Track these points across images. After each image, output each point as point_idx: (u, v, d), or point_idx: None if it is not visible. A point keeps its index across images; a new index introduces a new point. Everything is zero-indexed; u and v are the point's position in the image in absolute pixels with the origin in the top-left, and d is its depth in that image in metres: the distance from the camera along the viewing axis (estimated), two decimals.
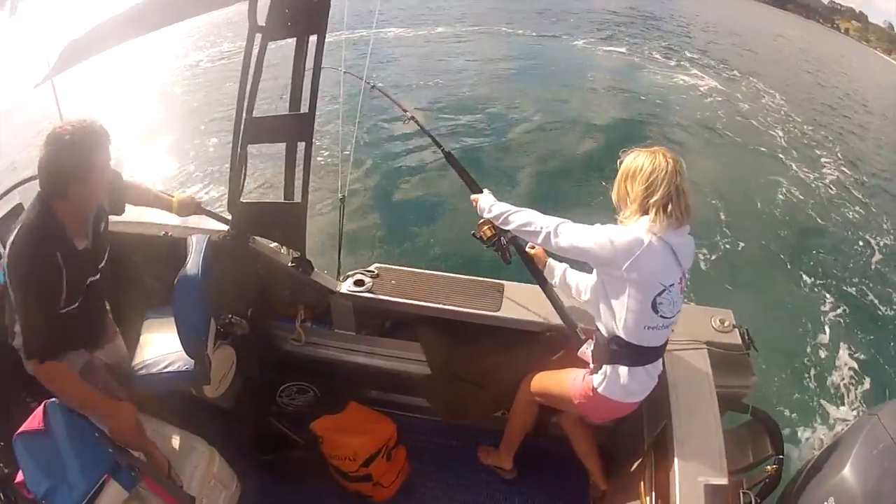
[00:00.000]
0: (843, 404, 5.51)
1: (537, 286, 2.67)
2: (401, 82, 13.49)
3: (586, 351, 2.42)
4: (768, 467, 2.50)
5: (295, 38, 2.48)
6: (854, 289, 7.55)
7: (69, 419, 2.05)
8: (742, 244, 7.85)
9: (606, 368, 2.25)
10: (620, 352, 2.19)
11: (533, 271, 2.67)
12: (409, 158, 9.41)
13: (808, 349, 6.22)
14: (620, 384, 2.24)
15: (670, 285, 2.07)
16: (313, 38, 2.43)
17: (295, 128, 2.64)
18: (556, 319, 2.66)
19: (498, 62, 16.60)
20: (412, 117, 2.93)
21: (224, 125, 10.00)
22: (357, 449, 2.92)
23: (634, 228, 2.05)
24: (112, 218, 2.39)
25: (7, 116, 9.08)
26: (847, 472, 1.89)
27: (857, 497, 1.82)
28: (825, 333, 6.51)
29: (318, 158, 7.88)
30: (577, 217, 2.22)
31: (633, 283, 2.05)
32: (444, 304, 2.90)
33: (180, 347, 2.36)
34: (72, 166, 1.97)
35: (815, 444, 4.80)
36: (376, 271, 3.07)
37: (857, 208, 10.19)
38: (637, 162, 2.10)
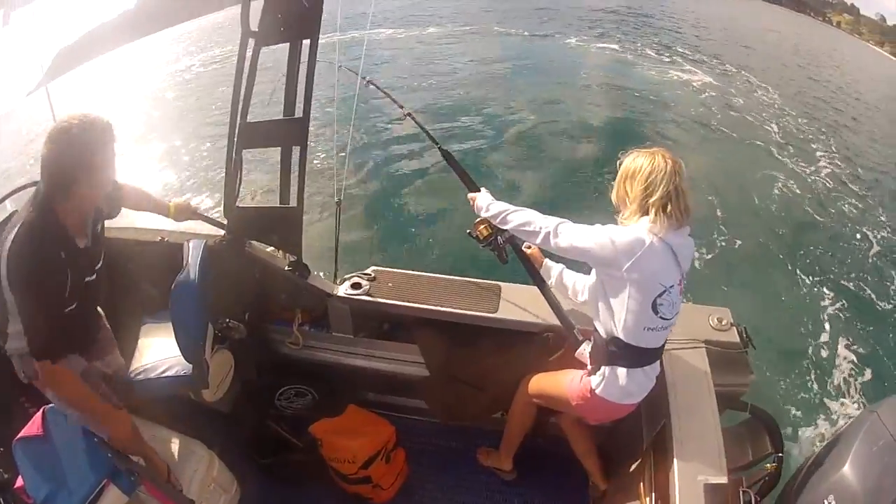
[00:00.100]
0: (842, 401, 5.49)
1: (534, 287, 2.67)
2: (394, 84, 13.50)
3: (584, 352, 2.42)
4: (768, 465, 2.50)
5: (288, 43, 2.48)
6: (852, 284, 7.52)
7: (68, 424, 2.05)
8: (739, 242, 7.83)
9: (605, 370, 2.25)
10: (619, 353, 2.18)
11: (530, 271, 2.67)
12: (405, 161, 9.42)
13: (807, 346, 6.22)
14: (619, 385, 2.23)
15: (670, 286, 2.07)
16: (306, 43, 2.42)
17: (289, 132, 2.63)
18: (553, 320, 2.65)
19: (491, 62, 16.66)
20: (409, 114, 2.92)
21: (217, 130, 10.02)
22: (356, 451, 2.91)
23: (635, 229, 2.05)
24: (108, 223, 2.36)
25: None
26: (847, 469, 1.89)
27: (857, 494, 1.82)
28: (823, 330, 6.50)
29: (314, 161, 7.92)
30: (571, 215, 2.23)
31: (633, 283, 2.05)
32: (442, 306, 2.90)
33: (178, 352, 2.35)
34: (77, 159, 1.91)
35: (814, 442, 4.81)
36: (373, 274, 3.06)
37: (853, 201, 10.19)
38: (636, 163, 2.10)
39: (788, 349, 6.07)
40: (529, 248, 2.70)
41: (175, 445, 2.43)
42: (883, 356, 6.17)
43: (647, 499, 2.39)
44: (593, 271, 2.25)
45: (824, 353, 6.13)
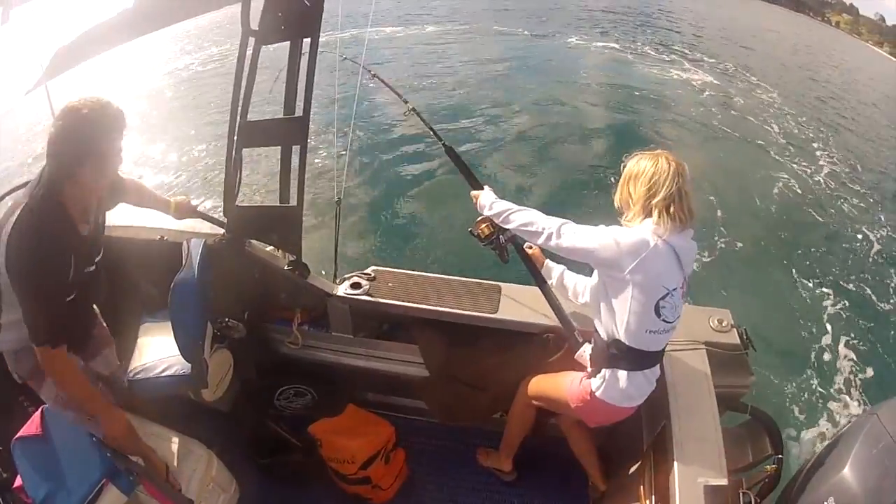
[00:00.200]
0: (842, 402, 5.49)
1: (535, 288, 2.67)
2: (395, 83, 13.39)
3: (584, 354, 2.42)
4: (768, 467, 2.49)
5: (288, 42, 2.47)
6: (852, 284, 7.51)
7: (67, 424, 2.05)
8: (739, 243, 7.81)
9: (605, 372, 2.24)
10: (620, 356, 2.18)
11: (531, 271, 2.66)
12: (406, 160, 9.41)
13: (807, 347, 6.21)
14: (619, 388, 2.23)
15: (673, 289, 2.07)
16: (307, 41, 2.41)
17: (290, 131, 2.62)
18: (553, 321, 2.65)
19: (491, 61, 16.62)
20: (413, 108, 2.92)
21: (217, 129, 10.00)
22: (355, 451, 2.91)
23: (640, 230, 2.05)
24: (108, 222, 2.34)
25: None
26: (847, 471, 1.89)
27: (857, 496, 1.82)
28: (824, 331, 6.49)
29: (315, 160, 7.90)
30: (571, 215, 2.23)
31: (636, 285, 2.04)
32: (442, 307, 2.89)
33: (177, 351, 2.33)
34: (86, 141, 1.88)
35: (814, 443, 4.81)
36: (373, 274, 3.06)
37: (853, 201, 10.19)
38: (640, 165, 2.11)
39: (789, 350, 6.06)
40: (531, 248, 2.70)
41: (174, 445, 2.41)
42: (883, 357, 6.16)
43: (647, 500, 2.38)
44: (595, 273, 2.25)
45: (825, 355, 6.13)
